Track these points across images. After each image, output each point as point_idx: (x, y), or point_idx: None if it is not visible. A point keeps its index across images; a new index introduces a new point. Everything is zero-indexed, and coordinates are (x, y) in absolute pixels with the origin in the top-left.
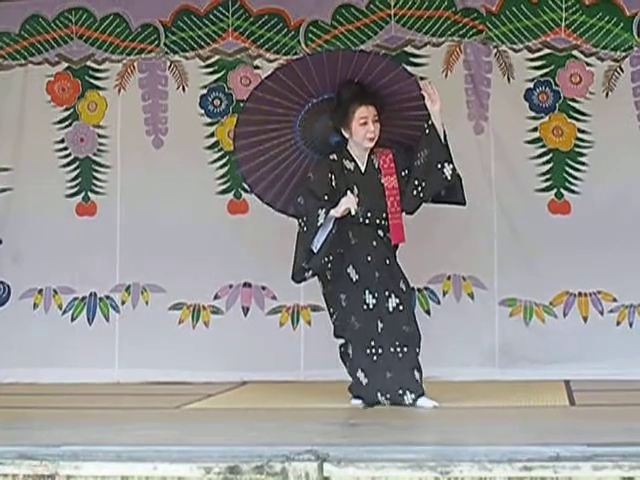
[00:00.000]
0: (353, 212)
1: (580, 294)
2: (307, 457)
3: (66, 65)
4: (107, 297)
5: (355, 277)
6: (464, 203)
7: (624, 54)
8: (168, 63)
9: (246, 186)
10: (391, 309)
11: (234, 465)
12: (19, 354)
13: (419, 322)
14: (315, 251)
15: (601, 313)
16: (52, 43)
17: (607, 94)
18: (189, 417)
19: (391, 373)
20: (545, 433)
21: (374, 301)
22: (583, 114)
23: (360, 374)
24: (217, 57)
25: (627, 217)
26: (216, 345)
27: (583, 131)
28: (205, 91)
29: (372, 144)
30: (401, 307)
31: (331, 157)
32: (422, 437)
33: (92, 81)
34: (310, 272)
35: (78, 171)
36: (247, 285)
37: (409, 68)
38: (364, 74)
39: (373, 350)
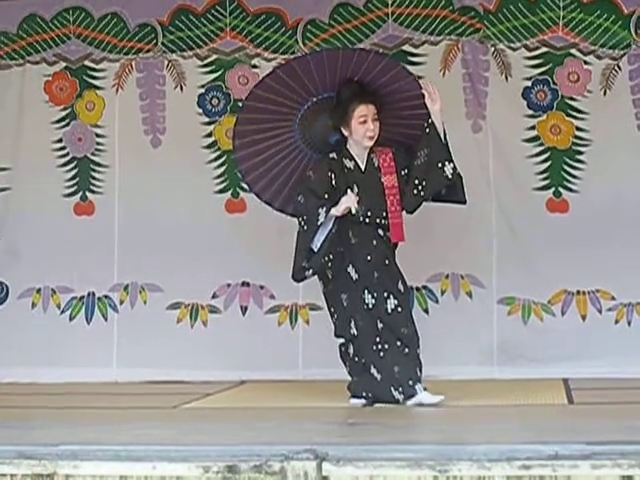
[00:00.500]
0: (354, 211)
1: (578, 292)
2: (306, 456)
3: (64, 65)
4: (105, 296)
5: (355, 276)
6: (465, 202)
7: (622, 52)
8: (166, 62)
9: (245, 185)
10: (390, 310)
11: (232, 464)
12: (17, 354)
13: (417, 321)
14: (315, 250)
15: (599, 311)
16: (50, 43)
17: (605, 92)
18: (187, 416)
19: (399, 367)
20: (544, 432)
21: (373, 301)
22: (581, 112)
23: (373, 370)
24: (215, 56)
25: (625, 215)
26: (214, 344)
27: (581, 129)
28: (203, 90)
29: (372, 143)
30: (399, 309)
31: (331, 156)
32: (421, 436)
33: (90, 80)
34: (310, 271)
35: (76, 170)
36: (245, 284)
37: (407, 67)
38: (364, 73)
39: (379, 346)
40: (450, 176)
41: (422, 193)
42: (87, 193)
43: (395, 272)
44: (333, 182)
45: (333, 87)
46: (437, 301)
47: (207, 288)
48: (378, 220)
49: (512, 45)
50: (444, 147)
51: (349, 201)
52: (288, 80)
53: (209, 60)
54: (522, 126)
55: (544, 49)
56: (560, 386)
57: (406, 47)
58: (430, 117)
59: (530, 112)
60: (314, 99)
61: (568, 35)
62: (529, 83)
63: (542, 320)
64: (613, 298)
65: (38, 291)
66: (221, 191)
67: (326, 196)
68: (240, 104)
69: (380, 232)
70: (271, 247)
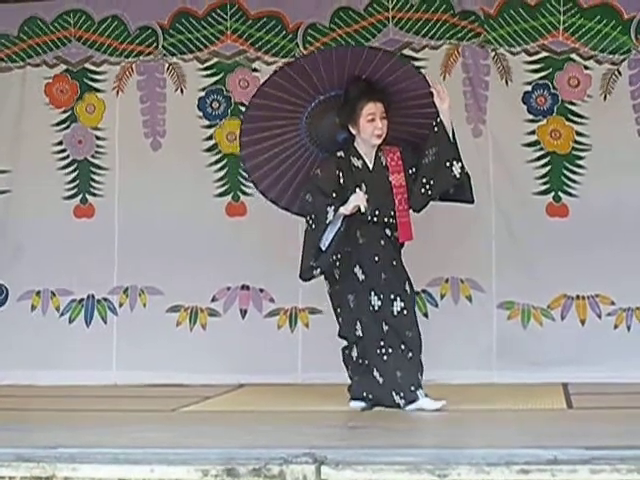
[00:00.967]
0: (363, 209)
1: (578, 297)
2: (305, 460)
3: (64, 67)
4: (105, 299)
5: (362, 277)
6: (472, 201)
7: (622, 57)
8: (166, 65)
9: (250, 182)
10: (395, 313)
11: (231, 467)
12: (16, 356)
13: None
14: (324, 249)
15: (599, 316)
16: (50, 45)
17: (605, 97)
18: (186, 419)
19: (401, 372)
20: (543, 436)
21: (379, 303)
22: (581, 117)
23: (376, 373)
24: (215, 60)
25: (625, 220)
26: (214, 347)
27: (581, 134)
28: (203, 93)
29: (380, 141)
30: (405, 311)
31: (338, 154)
32: (420, 440)
33: (90, 83)
34: (318, 270)
35: (76, 173)
36: (245, 287)
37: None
38: (372, 71)
39: (383, 350)
40: (458, 175)
41: (430, 192)
42: (87, 196)
43: (402, 273)
44: (341, 181)
45: (341, 85)
46: (437, 305)
47: (207, 291)
48: (386, 219)
49: (512, 50)
50: (452, 146)
51: (358, 199)
52: (297, 78)
53: (210, 63)
54: (522, 130)
55: (544, 54)
56: (559, 391)
57: (406, 51)
58: (439, 116)
59: (530, 117)
60: (321, 97)
61: (568, 40)
62: (529, 88)
63: (541, 325)
64: (612, 303)
65: (38, 293)
66: (221, 194)
67: (334, 195)
68: (242, 107)
69: (388, 232)
70: (271, 251)
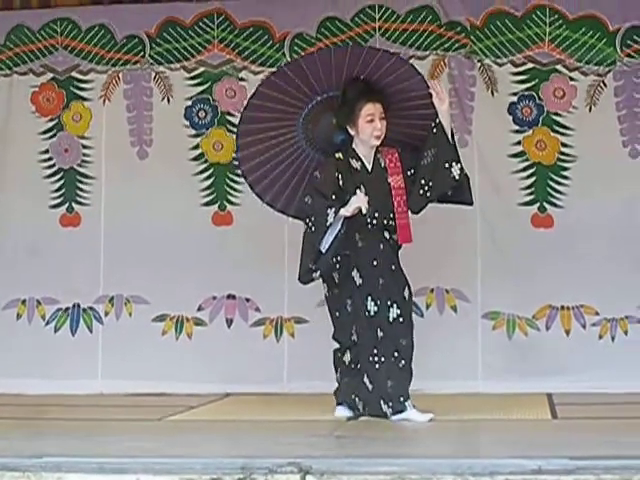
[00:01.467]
0: (364, 211)
1: (563, 308)
2: (290, 469)
3: (51, 76)
4: (90, 308)
5: (359, 281)
6: (471, 203)
7: (607, 69)
8: (153, 74)
9: (247, 185)
10: (391, 320)
11: (216, 477)
12: (1, 365)
13: None
14: (323, 251)
15: (583, 327)
16: (37, 53)
17: (590, 108)
18: (172, 429)
19: (392, 381)
20: (527, 446)
21: (375, 309)
22: (566, 128)
23: (366, 379)
24: (202, 69)
25: (610, 231)
26: (199, 357)
27: (566, 145)
28: (190, 103)
29: (379, 142)
30: (401, 319)
31: (337, 156)
32: (405, 450)
33: (77, 92)
34: (318, 273)
35: (62, 182)
36: (231, 297)
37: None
38: (371, 71)
39: (376, 358)
40: (457, 177)
41: (428, 194)
42: (73, 204)
43: (401, 278)
44: (340, 182)
45: (338, 86)
46: (422, 315)
47: (193, 300)
48: (385, 222)
49: (498, 60)
50: (451, 147)
51: (359, 201)
52: (295, 78)
53: (196, 72)
54: (508, 141)
55: (530, 65)
56: (544, 401)
57: None
58: (437, 117)
59: (516, 127)
60: (318, 98)
61: (554, 51)
62: (515, 98)
63: (526, 335)
64: (597, 313)
65: (23, 302)
66: (208, 204)
67: (333, 197)
68: (228, 116)
69: (387, 235)
70: (257, 260)
